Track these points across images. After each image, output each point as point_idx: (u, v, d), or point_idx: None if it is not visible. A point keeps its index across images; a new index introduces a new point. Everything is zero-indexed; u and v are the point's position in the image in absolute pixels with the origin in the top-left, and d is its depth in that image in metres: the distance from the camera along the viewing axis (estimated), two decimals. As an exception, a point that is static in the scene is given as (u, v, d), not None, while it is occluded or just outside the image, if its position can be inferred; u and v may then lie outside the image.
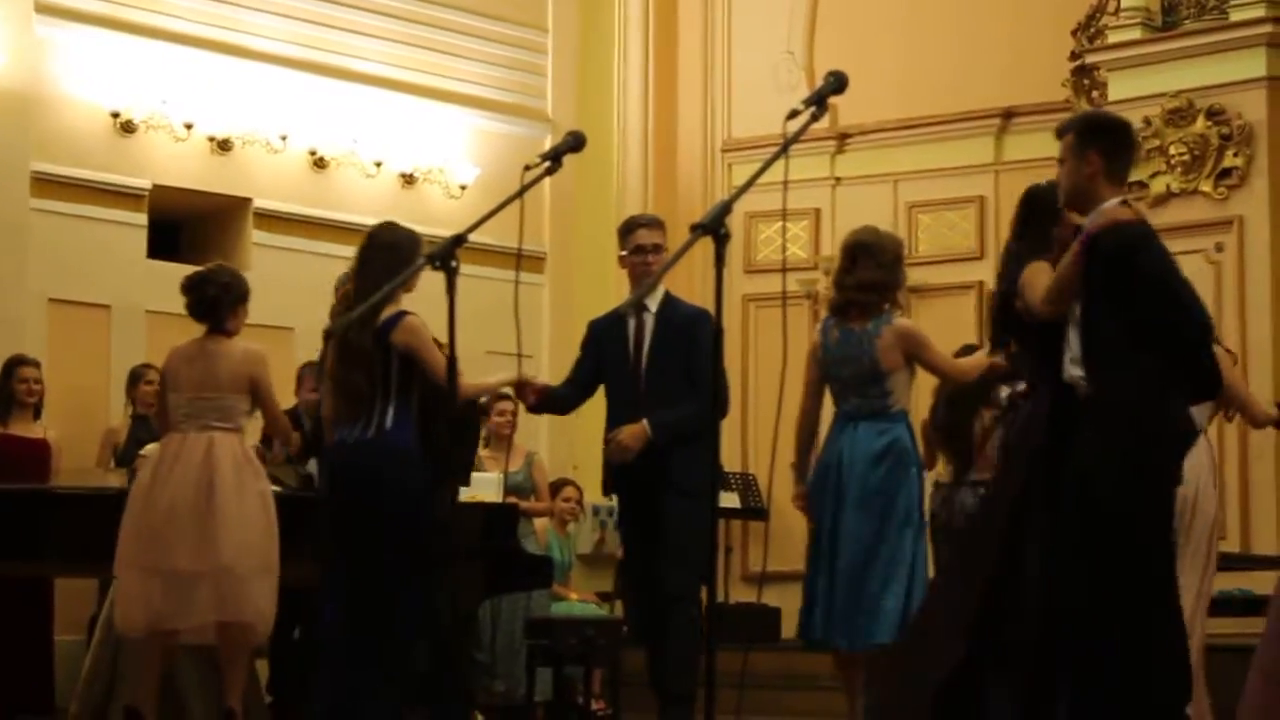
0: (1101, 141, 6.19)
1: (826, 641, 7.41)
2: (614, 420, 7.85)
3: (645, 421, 7.64)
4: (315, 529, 8.31)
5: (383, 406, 7.31)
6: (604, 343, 7.97)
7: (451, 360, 6.35)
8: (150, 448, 9.46)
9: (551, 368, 12.81)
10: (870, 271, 7.39)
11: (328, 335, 7.54)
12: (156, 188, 11.92)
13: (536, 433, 12.12)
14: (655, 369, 7.79)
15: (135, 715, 7.82)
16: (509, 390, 8.01)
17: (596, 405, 8.26)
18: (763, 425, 13.73)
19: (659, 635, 7.80)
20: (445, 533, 7.23)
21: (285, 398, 10.01)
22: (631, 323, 7.87)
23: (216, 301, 7.94)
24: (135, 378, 10.50)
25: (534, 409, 7.98)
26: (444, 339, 6.50)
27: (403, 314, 7.32)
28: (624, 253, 7.95)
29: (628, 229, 8.01)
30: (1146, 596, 5.90)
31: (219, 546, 7.69)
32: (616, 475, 7.92)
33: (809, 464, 7.64)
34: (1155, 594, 5.93)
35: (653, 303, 7.87)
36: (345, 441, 7.36)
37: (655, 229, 7.96)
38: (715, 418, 7.32)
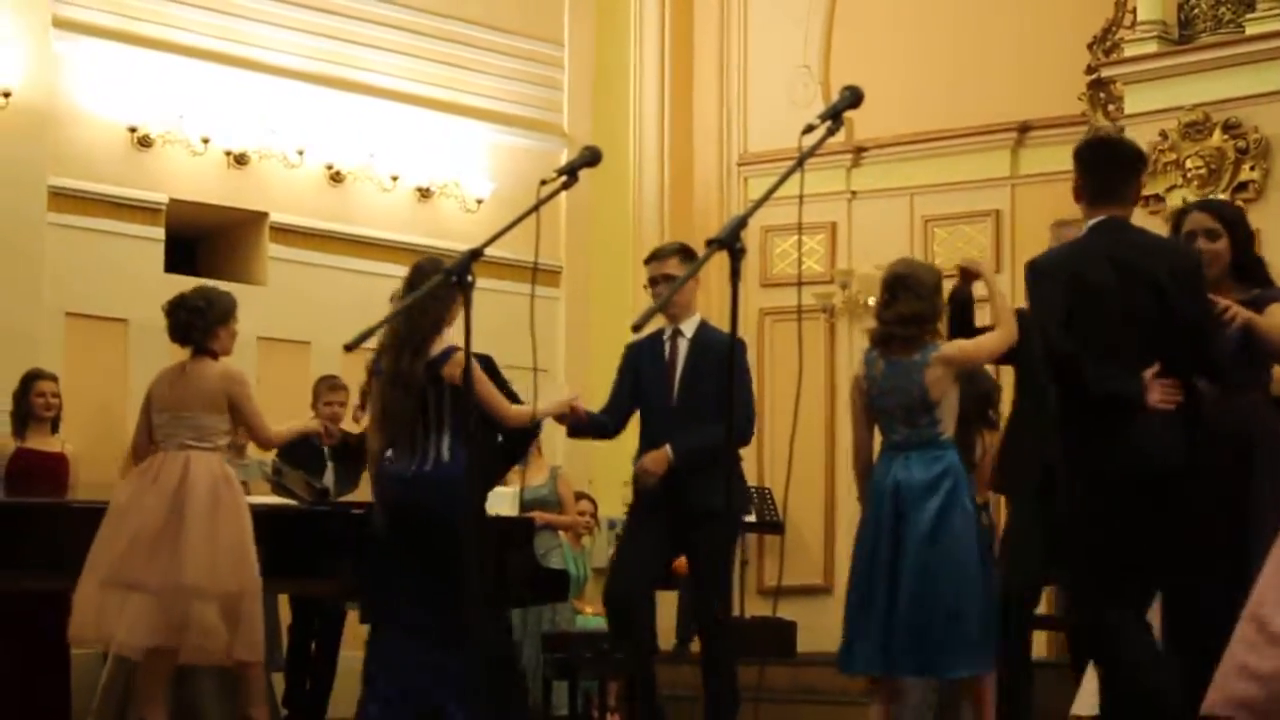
0: (1076, 162, 6.27)
1: (888, 672, 7.34)
2: (647, 441, 7.98)
3: (668, 446, 7.72)
4: (330, 544, 8.35)
5: (437, 439, 7.43)
6: (641, 365, 8.10)
7: (468, 372, 6.38)
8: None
9: (567, 378, 12.83)
10: (910, 304, 7.36)
11: (374, 372, 7.61)
12: (173, 202, 11.94)
13: (554, 447, 12.12)
14: (687, 392, 7.92)
15: None
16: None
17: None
18: (779, 439, 13.74)
19: (650, 654, 7.92)
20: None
21: (301, 411, 10.06)
22: (667, 346, 8.01)
23: (189, 326, 8.06)
24: (158, 390, 10.53)
25: (573, 433, 8.10)
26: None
27: (453, 349, 7.42)
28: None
29: (646, 261, 8.21)
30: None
31: (185, 568, 7.71)
32: (638, 494, 8.01)
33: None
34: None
35: (688, 328, 8.01)
36: (402, 475, 7.44)
37: (664, 260, 8.10)
38: (732, 444, 7.43)
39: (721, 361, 7.79)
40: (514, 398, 7.94)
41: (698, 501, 7.69)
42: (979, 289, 7.55)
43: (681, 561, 12.03)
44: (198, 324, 8.06)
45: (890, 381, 7.33)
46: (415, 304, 7.27)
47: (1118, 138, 6.74)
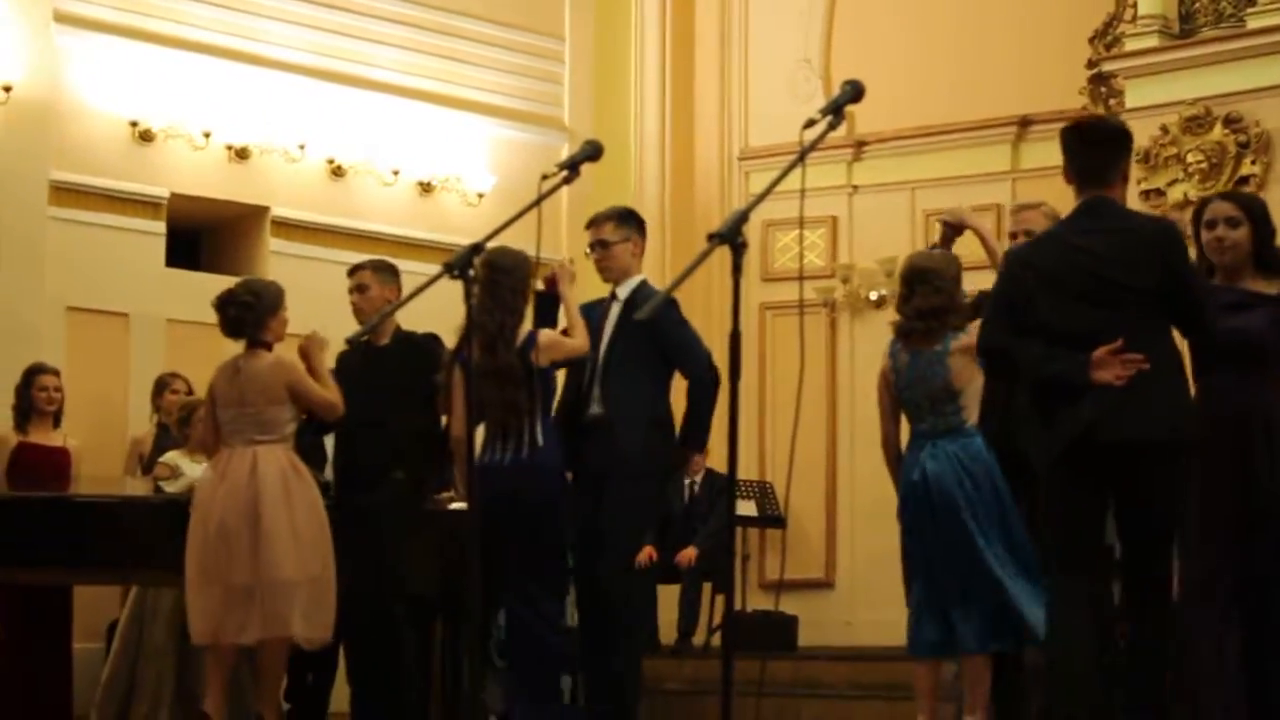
0: (1061, 145, 6.37)
1: (953, 649, 7.38)
2: (571, 395, 7.98)
3: (688, 451, 7.72)
4: (335, 535, 8.40)
5: (531, 425, 7.57)
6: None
7: (467, 365, 6.43)
8: (169, 455, 9.47)
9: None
10: (928, 298, 7.41)
11: (455, 360, 7.68)
12: (175, 196, 11.95)
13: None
14: (612, 354, 7.91)
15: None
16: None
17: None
18: (780, 433, 13.75)
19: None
20: None
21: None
22: (604, 309, 8.03)
23: (240, 320, 8.14)
24: (160, 386, 10.54)
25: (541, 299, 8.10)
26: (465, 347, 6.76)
27: (533, 333, 7.69)
28: None
29: (585, 227, 8.25)
30: None
31: (272, 560, 7.81)
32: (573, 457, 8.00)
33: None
34: None
35: (623, 291, 8.01)
36: (500, 463, 7.59)
37: (599, 225, 8.13)
38: (709, 397, 7.65)
39: (648, 322, 7.66)
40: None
41: (597, 459, 7.76)
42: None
43: (686, 554, 12.14)
44: (249, 318, 8.14)
45: (915, 372, 7.43)
46: (499, 294, 7.42)
47: (1100, 118, 6.76)
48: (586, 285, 8.68)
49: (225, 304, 8.21)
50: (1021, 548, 7.29)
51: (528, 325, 7.89)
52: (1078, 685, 6.07)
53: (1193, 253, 6.62)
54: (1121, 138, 6.43)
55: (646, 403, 7.80)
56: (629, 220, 8.12)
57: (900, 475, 7.54)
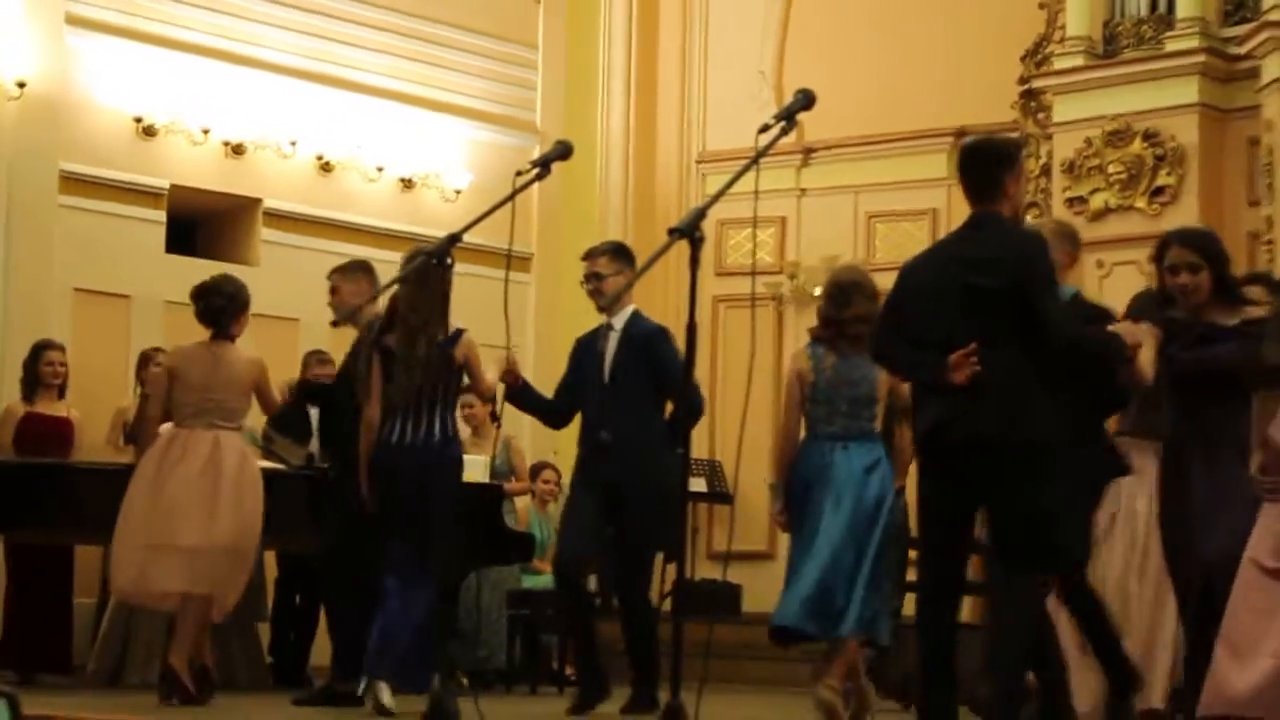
0: (957, 164, 6.29)
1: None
2: (586, 427, 7.96)
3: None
4: (315, 505, 8.38)
5: (442, 413, 7.51)
6: (581, 358, 8.06)
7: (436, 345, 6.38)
8: (167, 426, 9.46)
9: (536, 359, 12.88)
10: (862, 306, 7.35)
11: (376, 347, 7.59)
12: (175, 187, 11.93)
13: (520, 418, 12.13)
14: (616, 382, 7.87)
15: (171, 674, 7.79)
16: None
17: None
18: (730, 416, 13.76)
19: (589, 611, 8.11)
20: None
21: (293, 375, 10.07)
22: (601, 339, 7.95)
23: (222, 311, 8.06)
24: (144, 360, 10.49)
25: (511, 399, 7.96)
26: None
27: (461, 331, 7.50)
28: None
29: (582, 258, 8.15)
30: None
31: (224, 527, 7.77)
32: (588, 471, 7.96)
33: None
34: None
35: (619, 321, 7.93)
36: (403, 443, 7.47)
37: (594, 258, 8.03)
38: (689, 422, 7.44)
39: (646, 348, 7.82)
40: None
41: (624, 483, 7.70)
42: None
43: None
44: (228, 309, 8.08)
45: (841, 375, 7.29)
46: (421, 291, 7.30)
47: (989, 138, 6.62)
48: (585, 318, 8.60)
49: (209, 293, 8.11)
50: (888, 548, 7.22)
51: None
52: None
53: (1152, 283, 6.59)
54: (1004, 156, 6.26)
55: (652, 429, 7.79)
56: (621, 255, 8.09)
57: (786, 473, 7.35)
